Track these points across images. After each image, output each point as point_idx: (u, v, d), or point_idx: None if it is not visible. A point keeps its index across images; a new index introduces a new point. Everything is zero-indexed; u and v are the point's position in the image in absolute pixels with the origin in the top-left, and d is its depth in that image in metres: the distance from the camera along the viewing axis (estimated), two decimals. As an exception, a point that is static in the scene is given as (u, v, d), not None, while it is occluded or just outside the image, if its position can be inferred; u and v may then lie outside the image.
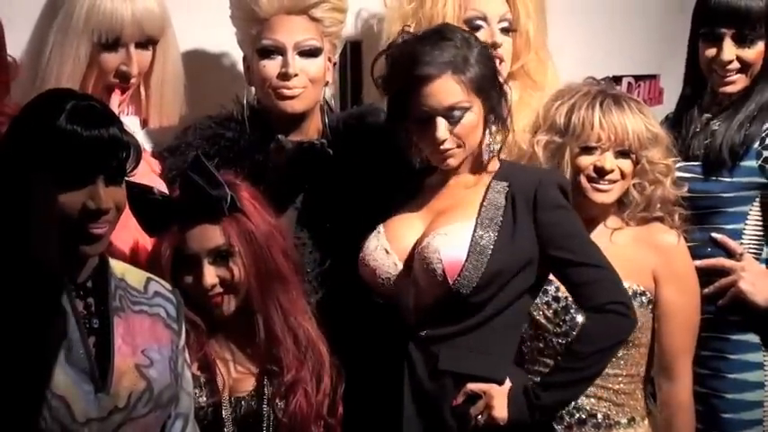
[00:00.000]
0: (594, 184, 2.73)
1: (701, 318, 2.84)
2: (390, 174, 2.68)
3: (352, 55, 3.27)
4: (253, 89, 2.86)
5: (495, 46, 2.88)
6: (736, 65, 2.94)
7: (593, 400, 2.72)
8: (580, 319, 2.65)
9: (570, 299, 2.65)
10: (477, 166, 2.59)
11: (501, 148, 2.60)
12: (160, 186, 2.56)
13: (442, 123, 2.49)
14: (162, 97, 2.73)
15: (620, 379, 2.74)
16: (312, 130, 2.85)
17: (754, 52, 2.94)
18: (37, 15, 2.66)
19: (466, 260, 2.45)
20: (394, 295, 2.56)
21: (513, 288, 2.50)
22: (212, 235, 2.43)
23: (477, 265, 2.45)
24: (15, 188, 2.00)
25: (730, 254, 2.93)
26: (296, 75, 2.77)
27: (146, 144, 2.85)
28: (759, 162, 2.91)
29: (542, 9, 3.12)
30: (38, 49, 2.62)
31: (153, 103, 2.73)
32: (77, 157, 1.96)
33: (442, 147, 2.51)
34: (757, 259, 2.97)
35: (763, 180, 2.92)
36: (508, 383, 2.47)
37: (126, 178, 2.07)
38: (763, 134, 2.92)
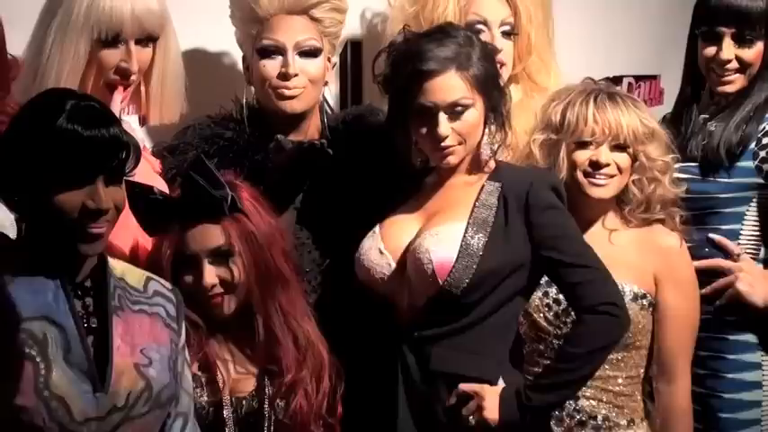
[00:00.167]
0: (591, 179, 2.72)
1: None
2: (389, 174, 2.66)
3: (352, 55, 3.27)
4: (252, 89, 2.85)
5: (495, 52, 2.88)
6: (734, 65, 2.92)
7: (593, 401, 2.71)
8: (581, 321, 2.66)
9: None
10: (475, 167, 2.59)
11: (499, 149, 2.58)
12: (160, 186, 2.54)
13: (444, 119, 2.49)
14: (162, 95, 2.71)
15: (619, 381, 2.73)
16: (311, 129, 2.85)
17: (753, 52, 2.92)
18: (37, 14, 2.64)
19: (456, 261, 2.45)
20: (388, 295, 2.56)
21: (505, 289, 2.49)
22: (213, 235, 2.42)
23: (467, 266, 2.45)
24: (14, 187, 1.99)
25: (728, 254, 2.92)
26: (296, 75, 2.76)
27: (146, 142, 2.84)
28: (756, 162, 2.90)
29: (547, 11, 3.10)
30: (38, 47, 2.60)
31: (153, 101, 2.71)
32: (77, 156, 1.95)
33: (443, 143, 2.50)
34: (755, 259, 2.95)
35: (759, 180, 2.90)
36: (501, 384, 2.46)
37: (126, 178, 2.06)
38: (760, 134, 2.91)
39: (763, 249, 2.98)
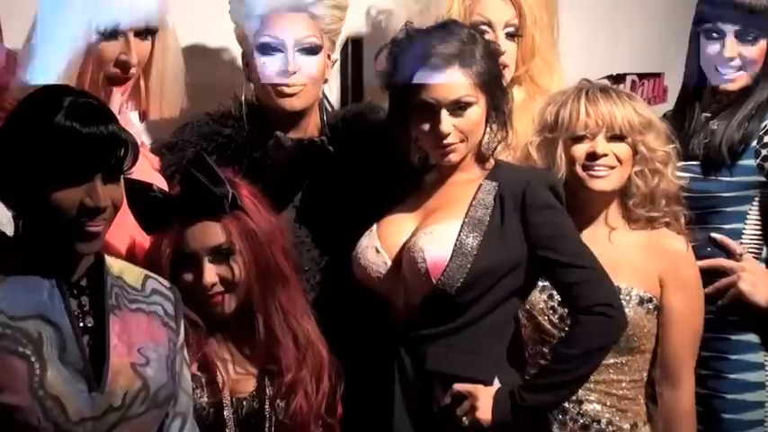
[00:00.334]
0: (590, 171, 2.70)
1: (701, 318, 2.82)
2: (388, 172, 2.64)
3: (353, 52, 3.25)
4: (251, 86, 2.82)
5: (497, 51, 2.86)
6: (737, 62, 2.91)
7: (596, 405, 2.69)
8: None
9: None
10: (474, 165, 2.57)
11: (497, 147, 2.57)
12: (159, 183, 2.52)
13: (446, 116, 2.47)
14: (162, 89, 2.68)
15: (623, 385, 2.71)
16: (311, 127, 2.83)
17: (756, 50, 2.91)
18: (35, 7, 2.62)
19: (450, 260, 2.43)
20: (385, 294, 2.54)
21: (501, 289, 2.47)
22: (213, 233, 2.39)
23: (461, 266, 2.43)
24: (11, 185, 1.96)
25: (730, 254, 2.89)
26: (295, 72, 2.74)
27: (146, 138, 2.82)
28: (758, 161, 2.88)
29: (552, 13, 3.08)
30: (36, 40, 2.57)
31: (153, 95, 2.68)
32: (76, 154, 1.92)
33: (445, 141, 2.48)
34: (757, 259, 2.93)
35: (761, 179, 2.88)
36: (496, 384, 2.44)
37: (125, 175, 2.03)
38: (761, 132, 2.89)
39: (766, 249, 2.95)
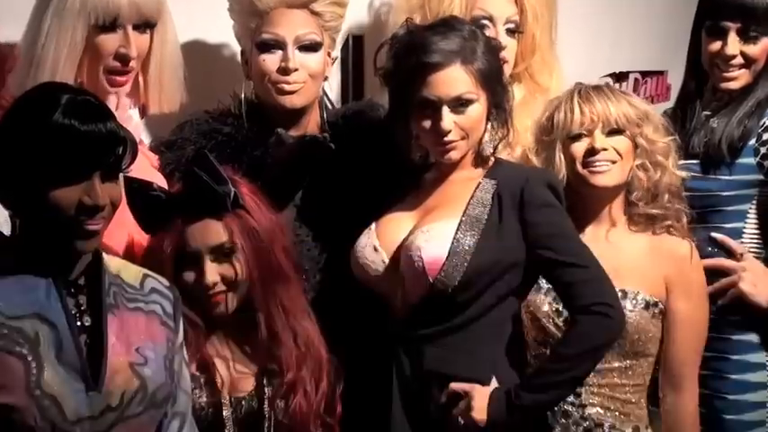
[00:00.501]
0: (591, 168, 2.68)
1: (702, 318, 2.79)
2: (388, 170, 2.62)
3: (354, 49, 3.23)
4: (251, 83, 2.80)
5: (498, 47, 2.84)
6: (739, 60, 2.88)
7: (600, 409, 2.67)
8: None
9: None
10: (474, 163, 2.55)
11: (497, 146, 2.55)
12: (159, 181, 2.50)
13: (447, 113, 2.44)
14: (162, 83, 2.66)
15: (627, 389, 2.68)
16: (311, 125, 2.80)
17: (758, 48, 2.88)
18: (32, 2, 2.60)
19: (446, 259, 2.41)
20: (384, 293, 2.52)
21: (498, 288, 2.45)
22: (215, 232, 2.37)
23: (457, 264, 2.41)
24: (8, 184, 1.94)
25: (731, 254, 2.87)
26: (296, 69, 2.72)
27: (144, 134, 2.80)
28: (757, 159, 2.85)
29: (553, 12, 3.06)
30: (34, 34, 2.55)
31: (152, 90, 2.66)
32: (74, 152, 1.91)
33: (446, 138, 2.46)
34: (758, 258, 2.89)
35: (761, 177, 2.85)
36: (493, 384, 2.42)
37: (126, 174, 2.02)
38: (760, 130, 2.86)
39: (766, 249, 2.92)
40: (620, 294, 2.62)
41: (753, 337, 2.87)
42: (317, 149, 2.70)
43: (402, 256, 2.48)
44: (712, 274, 2.83)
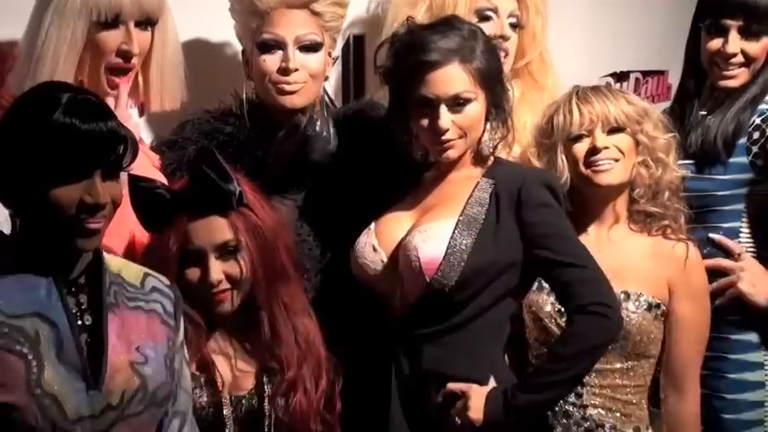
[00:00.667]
0: (594, 167, 2.66)
1: (701, 318, 2.77)
2: (389, 169, 2.61)
3: (354, 49, 3.22)
4: (252, 84, 2.78)
5: (503, 37, 2.86)
6: (740, 58, 2.85)
7: (601, 410, 2.65)
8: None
9: None
10: (473, 163, 2.54)
11: (497, 146, 2.54)
12: (160, 180, 2.47)
13: (445, 112, 2.43)
14: (163, 81, 2.65)
15: (628, 390, 2.67)
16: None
17: (758, 47, 2.86)
18: (34, 1, 2.59)
19: (443, 259, 2.39)
20: (383, 292, 2.51)
21: (496, 288, 2.44)
22: (220, 230, 2.35)
23: (454, 264, 2.39)
24: (9, 183, 1.93)
25: (729, 254, 2.85)
26: (296, 69, 2.70)
27: (144, 133, 2.78)
28: (749, 158, 2.83)
29: (546, 12, 3.05)
30: (34, 31, 2.54)
31: (153, 88, 2.65)
32: (75, 150, 1.90)
33: (443, 137, 2.45)
34: (756, 257, 2.87)
35: (753, 176, 2.84)
36: (491, 384, 2.40)
37: (129, 172, 2.03)
38: (750, 129, 2.84)
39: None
40: (622, 296, 2.63)
41: (751, 337, 2.85)
42: (318, 142, 2.69)
43: (400, 255, 2.47)
44: (711, 274, 2.80)
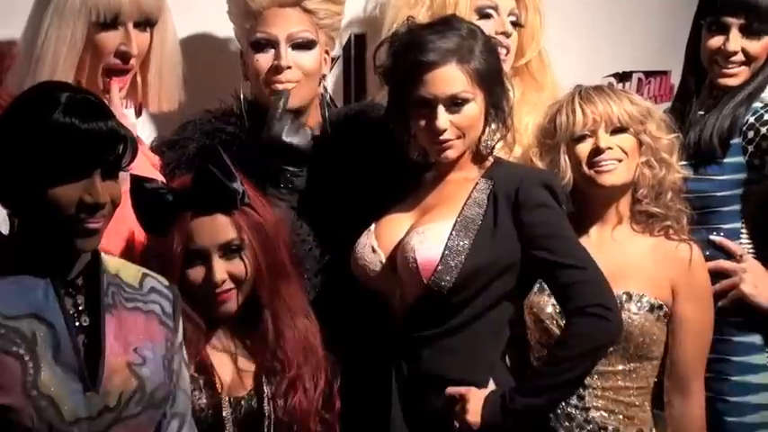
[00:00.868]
0: (597, 168, 2.65)
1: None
2: (390, 170, 2.59)
3: (356, 48, 3.20)
4: (249, 84, 2.76)
5: (505, 34, 2.86)
6: (740, 57, 2.83)
7: (603, 413, 2.63)
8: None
9: None
10: (473, 163, 2.52)
11: (495, 145, 2.51)
12: (162, 181, 2.46)
13: (443, 112, 2.42)
14: (161, 82, 2.63)
15: (630, 392, 2.64)
16: (311, 124, 2.75)
17: (760, 45, 2.83)
18: (33, 0, 2.57)
19: (440, 260, 2.37)
20: (382, 294, 2.49)
21: (494, 290, 2.42)
22: (224, 229, 2.33)
23: (451, 266, 2.37)
24: (7, 182, 1.91)
25: (730, 255, 2.83)
26: (288, 67, 2.68)
27: (143, 133, 2.75)
28: (746, 158, 2.81)
29: (543, 10, 3.03)
30: (33, 32, 2.52)
31: (152, 89, 2.64)
32: (75, 150, 1.89)
33: (441, 137, 2.43)
34: (755, 258, 2.85)
35: (750, 176, 2.82)
36: (491, 387, 2.38)
37: (124, 171, 1.99)
38: (744, 128, 2.81)
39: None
40: (624, 297, 2.61)
41: (754, 339, 2.83)
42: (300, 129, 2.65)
43: (398, 256, 2.45)
44: (713, 276, 2.78)
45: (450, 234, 2.41)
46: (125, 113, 2.56)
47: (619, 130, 2.66)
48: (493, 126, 2.51)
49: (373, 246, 2.50)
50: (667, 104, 3.15)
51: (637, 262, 2.66)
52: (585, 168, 2.66)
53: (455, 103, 2.43)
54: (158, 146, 2.75)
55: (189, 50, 2.81)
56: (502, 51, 2.72)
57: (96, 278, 2.00)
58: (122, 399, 1.95)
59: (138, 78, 2.63)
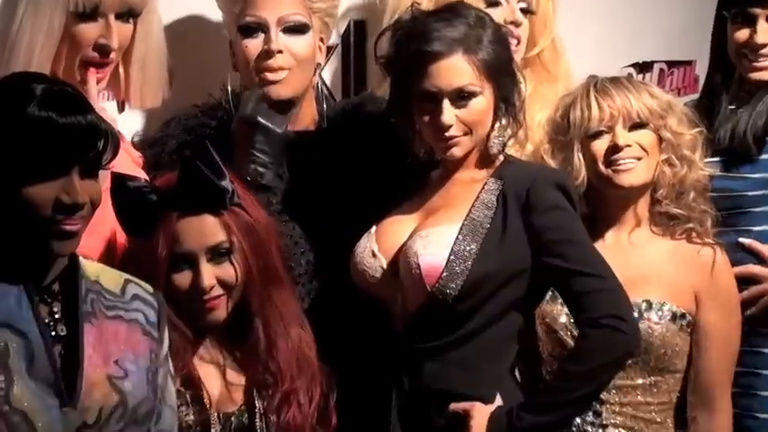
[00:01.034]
0: (615, 167, 2.62)
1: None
2: (391, 168, 2.56)
3: (355, 35, 3.17)
4: (238, 75, 2.73)
5: (515, 23, 2.84)
6: None
7: (622, 430, 2.60)
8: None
9: None
10: (482, 162, 2.49)
11: (506, 143, 2.49)
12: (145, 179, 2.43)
13: (448, 106, 2.39)
14: (144, 77, 2.60)
15: (651, 407, 2.61)
16: (306, 119, 2.74)
17: None
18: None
19: (445, 266, 2.35)
20: (384, 301, 2.47)
21: (502, 299, 2.39)
22: (212, 230, 2.28)
23: (457, 272, 2.35)
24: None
25: (761, 259, 2.79)
26: (279, 51, 2.65)
27: (125, 129, 2.70)
28: None
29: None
30: (8, 19, 2.49)
31: (133, 84, 2.60)
32: (51, 146, 1.86)
33: (447, 133, 2.40)
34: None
35: None
36: (497, 402, 2.35)
37: (105, 169, 1.96)
38: None
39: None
40: (644, 305, 2.58)
41: (786, 350, 2.79)
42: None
43: (400, 261, 2.43)
44: (741, 281, 2.74)
45: (457, 238, 2.38)
46: (104, 107, 2.53)
47: (638, 125, 2.63)
48: (503, 122, 2.47)
49: (374, 250, 2.47)
50: (692, 97, 3.12)
51: (657, 267, 2.63)
52: (602, 167, 2.62)
53: (461, 97, 2.40)
54: (141, 143, 2.72)
55: (177, 42, 2.78)
56: (512, 42, 2.69)
57: (74, 284, 1.97)
58: (102, 415, 1.92)
59: (121, 70, 2.59)
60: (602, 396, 2.51)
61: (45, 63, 2.45)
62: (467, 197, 2.44)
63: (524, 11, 2.92)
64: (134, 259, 2.30)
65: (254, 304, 2.33)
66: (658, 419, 2.62)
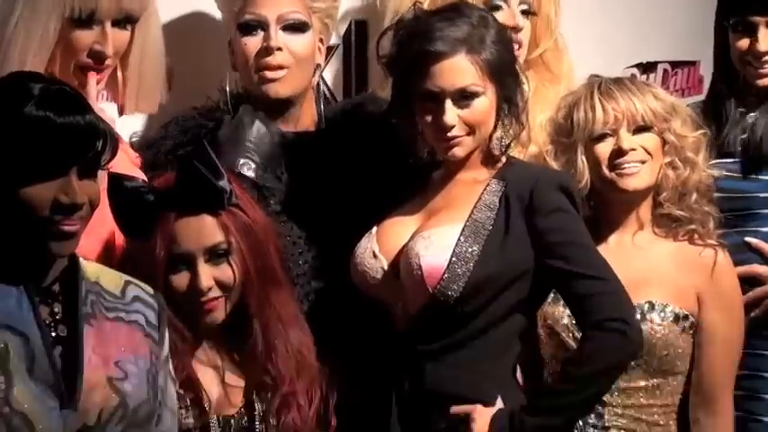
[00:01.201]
0: (619, 170, 2.64)
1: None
2: (392, 168, 2.59)
3: (357, 35, 3.19)
4: (236, 75, 2.77)
5: (515, 29, 2.83)
6: None
7: None
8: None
9: None
10: (484, 163, 2.51)
11: (510, 144, 2.51)
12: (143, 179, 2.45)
13: (450, 107, 2.41)
14: (140, 83, 2.62)
15: (654, 410, 2.64)
16: (305, 119, 2.77)
17: None
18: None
19: (447, 267, 2.37)
20: (384, 303, 2.49)
21: (504, 301, 2.41)
22: (210, 231, 2.32)
23: (459, 274, 2.37)
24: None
25: (767, 260, 2.82)
26: (279, 49, 2.68)
27: (124, 132, 2.74)
28: None
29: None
30: (2, 23, 2.51)
31: (130, 89, 2.62)
32: (50, 146, 1.88)
33: (449, 133, 2.43)
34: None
35: None
36: (499, 405, 2.38)
37: (103, 170, 1.99)
38: None
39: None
40: (646, 306, 2.61)
41: (791, 353, 2.82)
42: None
43: (401, 263, 2.45)
44: (745, 282, 2.78)
45: (458, 239, 2.40)
46: (103, 108, 2.55)
47: (642, 128, 2.66)
48: (506, 122, 2.50)
49: (374, 251, 2.50)
50: (696, 98, 3.14)
51: (659, 269, 2.66)
52: (606, 171, 2.65)
53: (464, 97, 2.43)
54: (139, 144, 2.74)
55: (177, 43, 2.80)
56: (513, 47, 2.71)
57: (74, 285, 1.99)
58: (102, 417, 1.94)
59: (119, 74, 2.61)
60: (604, 398, 2.54)
61: (39, 67, 2.44)
62: (469, 198, 2.47)
63: (526, 12, 2.93)
64: (132, 260, 2.32)
65: (252, 306, 2.36)
66: (661, 422, 2.64)
